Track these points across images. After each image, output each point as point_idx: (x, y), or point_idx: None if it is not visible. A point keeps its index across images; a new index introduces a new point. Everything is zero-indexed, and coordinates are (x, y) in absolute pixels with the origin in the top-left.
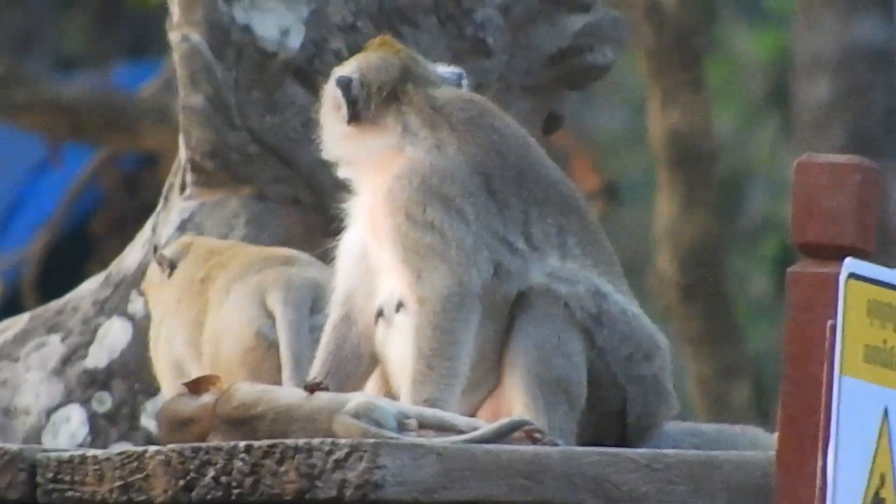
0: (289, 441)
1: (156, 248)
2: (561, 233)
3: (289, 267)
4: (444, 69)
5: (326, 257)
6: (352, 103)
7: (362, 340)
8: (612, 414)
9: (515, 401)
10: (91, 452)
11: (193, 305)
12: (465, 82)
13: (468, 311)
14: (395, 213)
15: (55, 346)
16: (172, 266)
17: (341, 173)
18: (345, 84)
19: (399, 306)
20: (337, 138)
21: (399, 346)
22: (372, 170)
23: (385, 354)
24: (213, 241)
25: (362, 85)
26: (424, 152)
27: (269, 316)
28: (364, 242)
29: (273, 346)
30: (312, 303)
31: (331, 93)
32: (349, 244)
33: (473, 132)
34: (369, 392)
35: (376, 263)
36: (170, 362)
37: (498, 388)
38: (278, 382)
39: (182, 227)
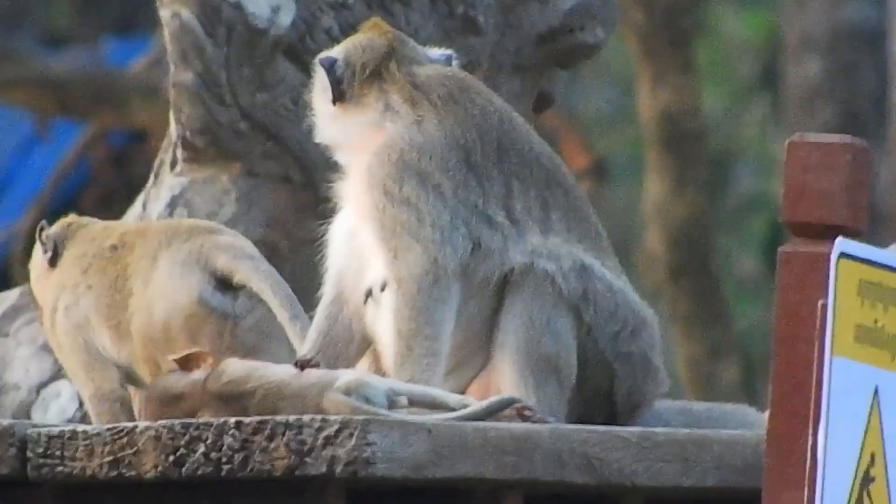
0: (279, 417)
1: (41, 230)
2: (545, 207)
3: (218, 235)
4: (435, 51)
5: (317, 235)
6: (335, 83)
7: (353, 320)
8: (600, 392)
9: (505, 380)
10: (81, 428)
11: (107, 272)
12: (455, 63)
13: (444, 289)
14: (373, 188)
15: None
16: (55, 248)
17: (334, 156)
18: (329, 65)
19: (384, 286)
20: (325, 120)
21: (386, 325)
22: (356, 149)
23: (374, 334)
24: (98, 221)
25: (346, 65)
26: (403, 128)
27: (212, 281)
28: (352, 223)
29: (215, 313)
30: None
31: (318, 75)
32: (339, 225)
33: (453, 107)
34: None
35: (363, 244)
36: (77, 346)
37: (487, 368)
38: (218, 349)
39: (172, 204)
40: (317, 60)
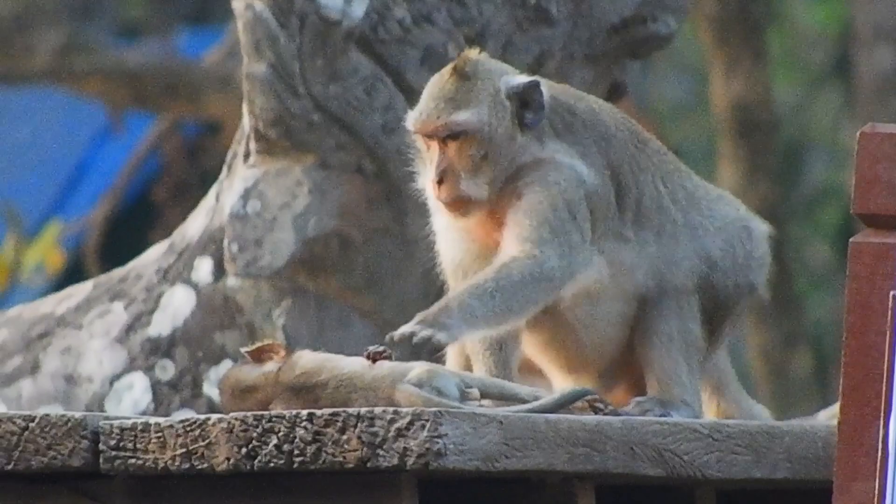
0: (351, 409)
1: None
2: (661, 207)
3: None
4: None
5: (389, 226)
6: (533, 110)
7: None
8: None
9: (663, 374)
10: (153, 420)
11: None
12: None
13: (546, 288)
14: (536, 196)
15: (118, 314)
16: None
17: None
18: (535, 86)
19: None
20: (507, 141)
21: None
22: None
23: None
24: None
25: (543, 93)
26: (567, 159)
27: None
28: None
29: None
30: None
31: (507, 92)
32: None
33: (602, 137)
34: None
35: (489, 241)
36: None
37: (632, 377)
38: None
39: (245, 196)
40: (505, 81)
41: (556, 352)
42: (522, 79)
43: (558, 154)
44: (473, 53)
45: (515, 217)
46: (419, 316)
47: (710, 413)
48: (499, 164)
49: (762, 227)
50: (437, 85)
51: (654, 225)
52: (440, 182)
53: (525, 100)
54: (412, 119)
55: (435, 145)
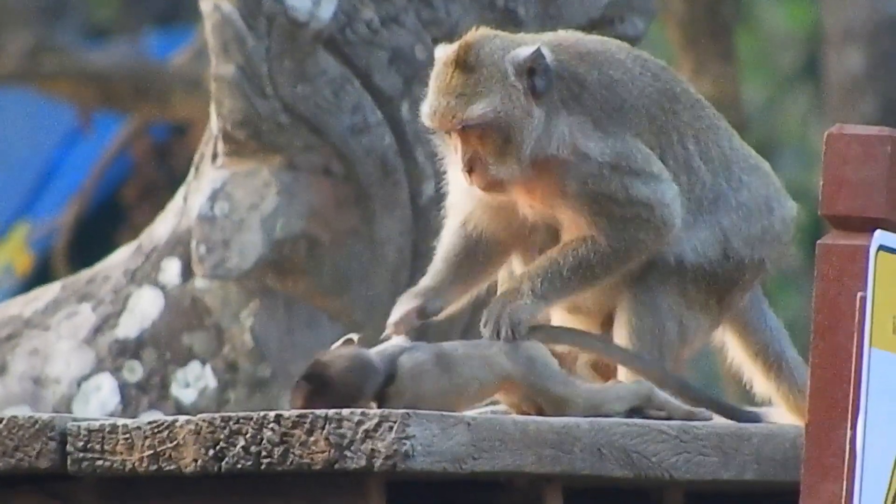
0: (318, 411)
1: None
2: (690, 168)
3: None
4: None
5: (358, 227)
6: (541, 76)
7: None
8: None
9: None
10: (121, 421)
11: None
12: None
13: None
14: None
15: (86, 315)
16: None
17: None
18: (538, 54)
19: None
20: (525, 118)
21: None
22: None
23: None
24: None
25: (546, 57)
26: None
27: None
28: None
29: None
30: None
31: (516, 70)
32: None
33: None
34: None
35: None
36: None
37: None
38: None
39: (213, 197)
40: (511, 55)
41: None
42: (525, 52)
43: (577, 135)
44: (472, 36)
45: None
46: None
47: (780, 402)
48: (524, 144)
49: (788, 207)
50: (443, 79)
51: (682, 183)
52: (470, 171)
53: (532, 68)
54: (425, 115)
55: (455, 136)
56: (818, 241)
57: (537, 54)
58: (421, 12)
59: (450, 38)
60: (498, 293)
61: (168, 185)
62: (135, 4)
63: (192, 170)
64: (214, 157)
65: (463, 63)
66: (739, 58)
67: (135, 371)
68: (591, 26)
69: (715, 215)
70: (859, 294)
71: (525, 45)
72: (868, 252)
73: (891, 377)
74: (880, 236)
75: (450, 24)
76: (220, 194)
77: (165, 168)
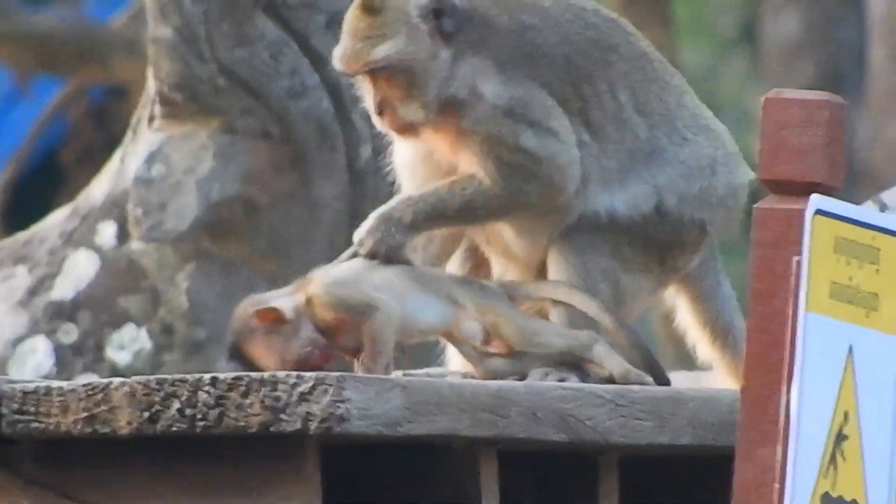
0: (254, 374)
1: None
2: (619, 119)
3: None
4: None
5: (295, 190)
6: (448, 17)
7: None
8: None
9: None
10: (56, 384)
11: None
12: None
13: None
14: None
15: (22, 278)
16: None
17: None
18: None
19: None
20: (431, 61)
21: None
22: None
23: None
24: None
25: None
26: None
27: None
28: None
29: None
30: None
31: (420, 12)
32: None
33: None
34: None
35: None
36: None
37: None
38: None
39: (150, 160)
40: None
41: (495, 243)
42: None
43: (477, 77)
44: None
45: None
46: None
47: (722, 370)
48: (429, 86)
49: (738, 173)
50: (350, 21)
51: (611, 134)
52: (380, 114)
53: (439, 9)
54: (335, 59)
55: (367, 79)
56: (755, 206)
57: None
58: None
59: None
60: (377, 212)
61: (106, 147)
62: None
63: (130, 132)
64: (151, 119)
65: (370, 5)
66: (677, 22)
67: (70, 333)
68: None
69: (649, 169)
70: (795, 258)
71: None
72: (805, 216)
73: (827, 342)
74: (817, 200)
75: None
76: (156, 157)
77: (103, 130)
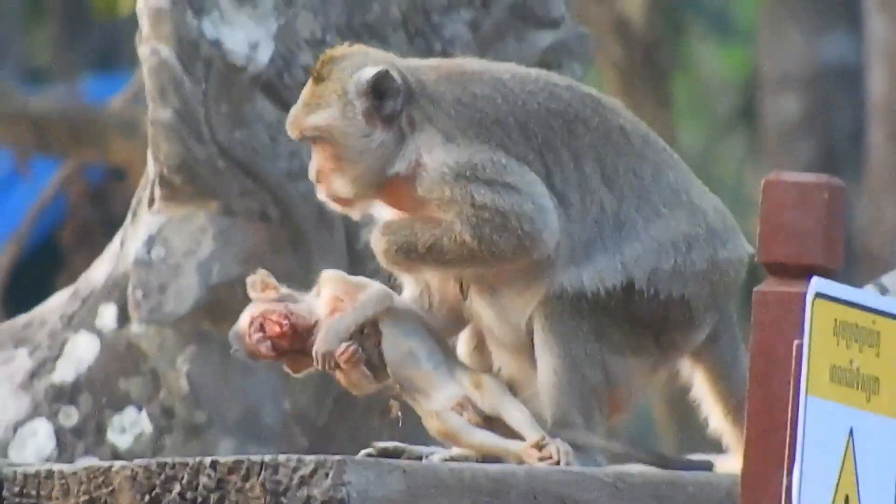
0: (254, 457)
1: None
2: (586, 189)
3: None
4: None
5: (294, 272)
6: (390, 98)
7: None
8: None
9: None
10: (57, 467)
11: None
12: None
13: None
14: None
15: (23, 360)
16: None
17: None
18: (382, 76)
19: None
20: (362, 139)
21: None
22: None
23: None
24: None
25: (395, 80)
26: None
27: None
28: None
29: None
30: None
31: (357, 90)
32: None
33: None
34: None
35: None
36: None
37: None
38: None
39: (150, 242)
40: (355, 75)
41: (483, 327)
42: (370, 72)
43: (422, 152)
44: (340, 50)
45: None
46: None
47: (734, 449)
48: (360, 163)
49: (729, 248)
50: (304, 89)
51: (574, 203)
52: (318, 182)
53: (380, 90)
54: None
55: (312, 146)
56: (755, 289)
57: (381, 75)
58: None
59: None
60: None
61: (105, 228)
62: (72, 48)
63: (130, 214)
64: (151, 201)
65: (318, 74)
66: (676, 103)
67: (71, 416)
68: None
69: (616, 242)
70: (796, 342)
71: (380, 65)
72: (805, 299)
73: (827, 425)
74: (817, 283)
75: None
76: (156, 239)
77: (102, 212)
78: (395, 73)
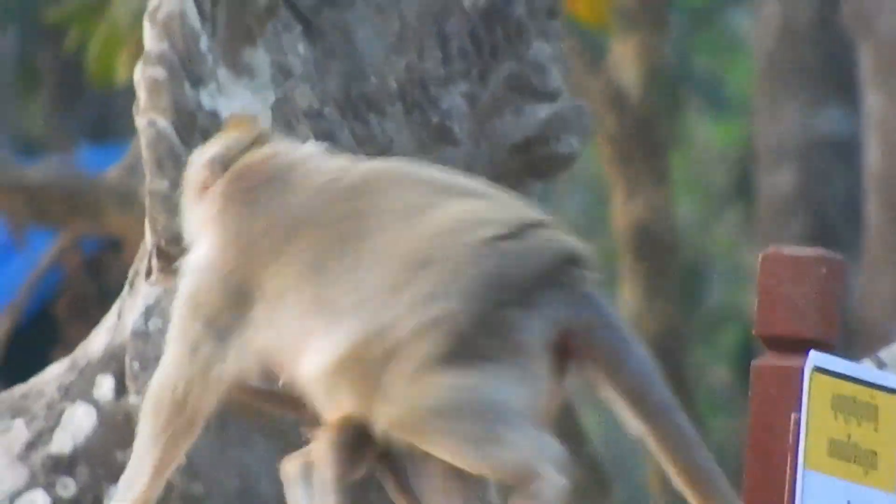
0: None
1: None
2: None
3: None
4: None
5: None
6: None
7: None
8: None
9: None
10: None
11: None
12: None
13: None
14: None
15: (20, 431)
16: None
17: None
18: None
19: None
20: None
21: None
22: None
23: None
24: None
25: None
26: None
27: None
28: None
29: None
30: None
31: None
32: None
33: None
34: None
35: None
36: None
37: None
38: None
39: (147, 313)
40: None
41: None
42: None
43: None
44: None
45: None
46: None
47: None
48: None
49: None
50: None
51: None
52: None
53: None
54: None
55: None
56: (753, 363)
57: None
58: (355, 129)
59: (385, 155)
60: None
61: (100, 299)
62: (67, 119)
63: (127, 285)
64: (149, 273)
65: None
66: (672, 177)
67: (68, 487)
68: (525, 145)
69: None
70: (794, 416)
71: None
72: (803, 373)
73: (825, 500)
74: (815, 357)
75: (384, 141)
76: (154, 310)
77: (98, 283)
78: None
